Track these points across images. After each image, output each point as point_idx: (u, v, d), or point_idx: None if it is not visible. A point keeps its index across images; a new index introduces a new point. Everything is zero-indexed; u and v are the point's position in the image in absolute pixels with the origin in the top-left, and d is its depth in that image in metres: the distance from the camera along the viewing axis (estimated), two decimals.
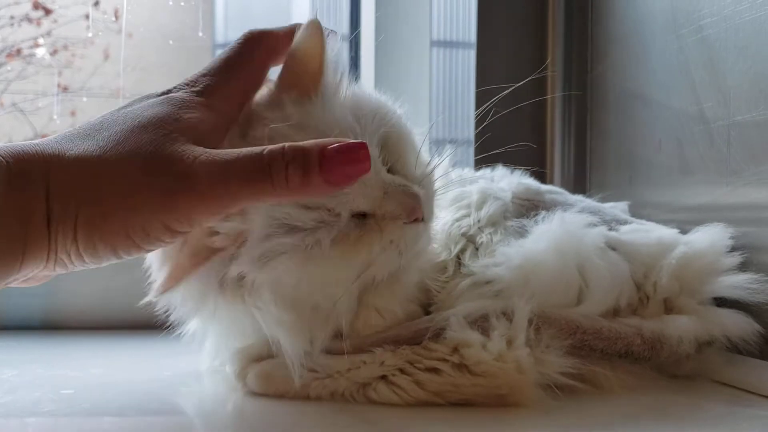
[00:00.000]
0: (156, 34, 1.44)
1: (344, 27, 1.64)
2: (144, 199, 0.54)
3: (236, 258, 0.63)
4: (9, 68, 1.63)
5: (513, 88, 0.81)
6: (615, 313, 0.72)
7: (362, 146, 0.56)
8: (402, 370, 0.63)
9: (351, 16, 1.53)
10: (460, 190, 0.79)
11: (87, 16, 1.53)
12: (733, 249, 0.76)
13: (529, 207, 0.77)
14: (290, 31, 0.68)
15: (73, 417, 0.61)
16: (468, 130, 1.20)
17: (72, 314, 1.02)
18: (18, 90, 1.62)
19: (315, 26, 0.66)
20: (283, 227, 0.62)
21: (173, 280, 0.63)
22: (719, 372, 0.73)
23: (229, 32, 1.87)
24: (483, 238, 0.74)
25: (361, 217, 0.65)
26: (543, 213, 0.75)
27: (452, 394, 0.63)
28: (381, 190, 0.65)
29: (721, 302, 0.74)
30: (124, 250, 0.56)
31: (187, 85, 0.63)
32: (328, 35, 0.66)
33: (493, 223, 0.75)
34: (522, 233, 0.74)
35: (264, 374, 0.66)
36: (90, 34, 1.53)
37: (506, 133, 1.17)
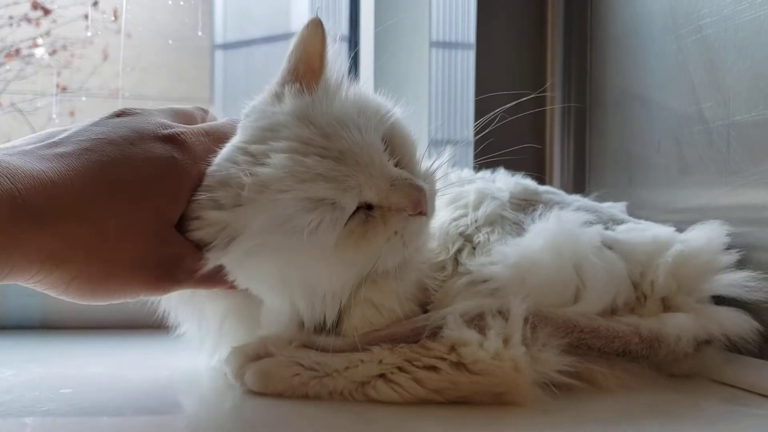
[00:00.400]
0: (155, 34, 1.44)
1: (344, 27, 1.64)
2: None
3: (218, 249, 0.63)
4: (8, 68, 1.63)
5: (514, 104, 0.81)
6: (612, 311, 0.72)
7: None
8: (400, 369, 0.63)
9: (350, 17, 1.52)
10: (458, 190, 0.79)
11: (86, 16, 1.53)
12: (732, 248, 0.76)
13: (526, 206, 0.78)
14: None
15: (72, 416, 0.61)
16: (467, 130, 1.20)
17: (70, 314, 1.02)
18: (17, 90, 1.62)
19: (317, 23, 0.68)
20: (282, 225, 0.62)
21: None
22: (718, 371, 0.73)
23: (228, 32, 1.87)
24: (480, 237, 0.74)
25: (365, 210, 0.65)
26: (540, 211, 0.76)
27: (451, 392, 0.63)
28: (388, 182, 0.65)
29: (719, 300, 0.74)
30: None
31: None
32: (328, 33, 0.68)
33: (491, 222, 0.75)
34: (519, 232, 0.74)
35: (262, 373, 0.66)
36: (89, 34, 1.53)
37: (506, 134, 1.17)
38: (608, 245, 0.74)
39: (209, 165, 0.64)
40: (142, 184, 0.60)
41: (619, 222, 0.79)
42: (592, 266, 0.71)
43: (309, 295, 0.67)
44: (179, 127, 0.65)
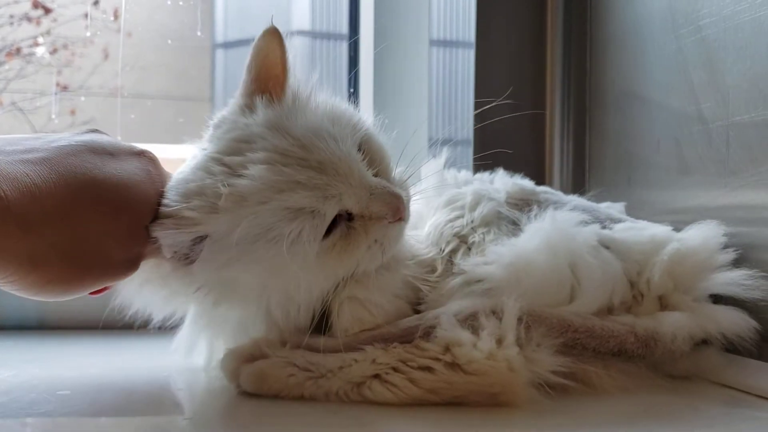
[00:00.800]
0: (155, 33, 1.44)
1: (343, 27, 1.64)
2: None
3: (194, 253, 0.66)
4: (8, 67, 1.63)
5: (512, 115, 0.82)
6: (609, 311, 0.72)
7: None
8: (395, 369, 0.64)
9: (350, 16, 1.52)
10: (455, 191, 0.80)
11: (86, 16, 1.53)
12: (730, 247, 0.76)
13: (523, 206, 0.78)
14: None
15: (70, 417, 0.61)
16: (467, 130, 1.20)
17: (68, 314, 1.02)
18: (17, 89, 1.62)
19: (273, 31, 0.70)
20: (263, 235, 0.64)
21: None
22: (716, 372, 0.73)
23: (228, 31, 1.87)
24: (475, 237, 0.74)
25: (346, 221, 0.67)
26: (535, 211, 0.76)
27: (447, 392, 0.63)
28: (367, 192, 0.67)
29: (717, 299, 0.74)
30: None
31: None
32: (287, 39, 0.70)
33: (487, 223, 0.76)
34: (516, 232, 0.74)
35: (257, 374, 0.66)
36: (89, 34, 1.53)
37: (505, 133, 1.17)
38: (605, 244, 0.74)
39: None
40: (123, 194, 0.62)
41: (617, 221, 0.79)
42: (587, 265, 0.71)
43: (285, 303, 0.69)
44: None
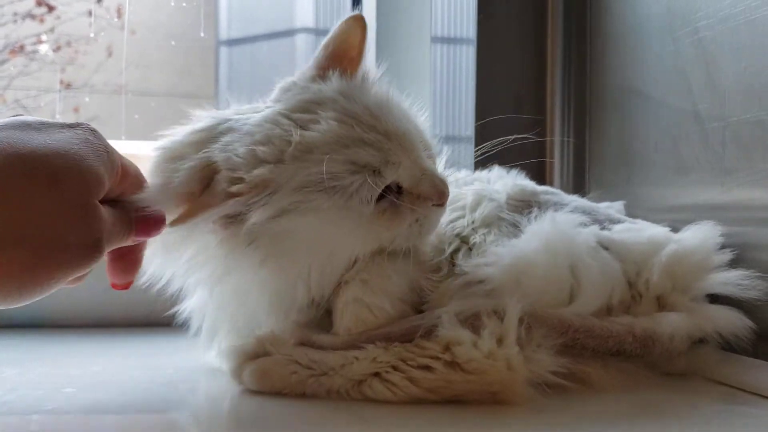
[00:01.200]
0: (159, 31, 1.45)
1: None
2: None
3: (255, 206, 0.65)
4: (12, 65, 1.64)
5: (513, 138, 0.82)
6: (608, 311, 0.72)
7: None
8: (395, 368, 0.64)
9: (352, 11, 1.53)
10: (455, 192, 0.80)
11: (90, 13, 1.54)
12: (727, 247, 0.77)
13: (523, 208, 0.78)
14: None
15: (75, 415, 0.62)
16: (468, 127, 1.20)
17: (73, 312, 1.03)
18: (21, 86, 1.62)
19: (358, 18, 0.75)
20: (324, 183, 0.66)
21: (188, 216, 0.64)
22: (713, 370, 0.74)
23: (232, 29, 1.87)
24: (477, 238, 0.75)
25: (395, 194, 0.70)
26: (536, 212, 0.76)
27: (445, 391, 0.63)
28: (420, 171, 0.70)
29: (714, 299, 0.75)
30: None
31: None
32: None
33: (488, 224, 0.76)
34: (516, 233, 0.75)
35: (260, 371, 0.67)
36: (93, 32, 1.53)
37: (506, 132, 1.18)
38: (604, 245, 0.75)
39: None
40: (57, 163, 0.55)
41: (616, 222, 0.80)
42: (587, 267, 0.72)
43: (324, 265, 0.70)
44: None
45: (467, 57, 1.27)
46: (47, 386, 0.71)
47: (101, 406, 0.65)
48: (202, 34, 1.32)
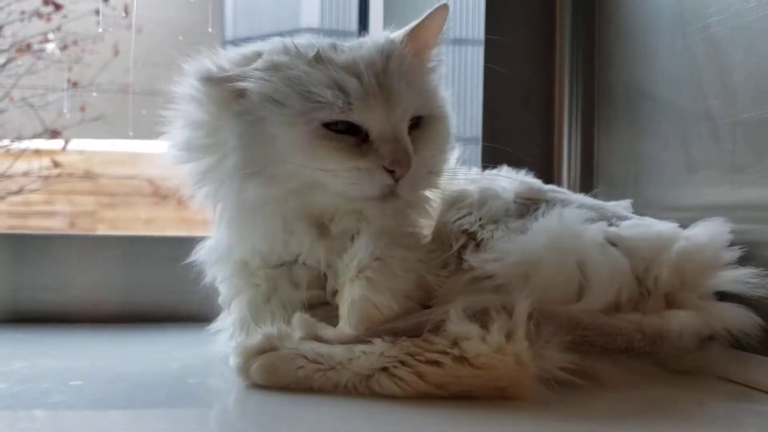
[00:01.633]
0: (166, 29, 1.45)
1: (353, 24, 1.64)
2: None
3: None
4: (19, 63, 1.64)
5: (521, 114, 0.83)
6: (616, 308, 0.72)
7: None
8: (403, 363, 0.64)
9: (359, 13, 1.53)
10: (462, 189, 0.80)
11: (97, 12, 1.54)
12: (736, 245, 0.76)
13: (530, 205, 0.78)
14: None
15: (81, 408, 0.62)
16: (476, 127, 1.20)
17: (81, 307, 1.03)
18: (28, 85, 1.62)
19: (445, 9, 0.82)
20: (303, 86, 0.73)
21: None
22: (722, 368, 0.73)
23: (238, 28, 1.87)
24: (484, 234, 0.75)
25: (362, 139, 0.74)
26: (543, 209, 0.76)
27: (453, 386, 0.63)
28: (392, 132, 0.73)
29: (723, 297, 0.74)
30: None
31: None
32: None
33: (495, 220, 0.76)
34: (523, 230, 0.74)
35: (267, 366, 0.67)
36: (100, 30, 1.53)
37: (514, 131, 1.18)
38: (612, 242, 0.74)
39: None
40: None
41: (624, 219, 0.80)
42: (595, 263, 0.71)
43: (283, 169, 0.74)
44: None
45: (474, 58, 1.27)
46: (54, 379, 0.70)
47: (107, 399, 0.65)
48: (210, 29, 1.32)
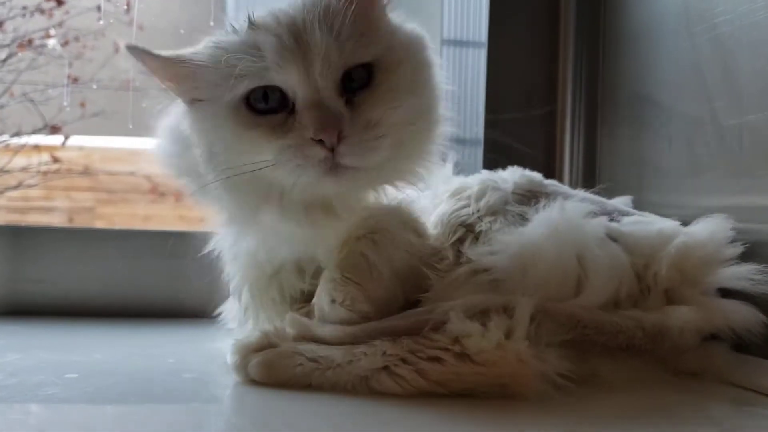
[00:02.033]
0: (167, 25, 1.44)
1: None
2: None
3: None
4: (20, 58, 1.64)
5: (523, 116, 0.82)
6: (616, 304, 0.71)
7: None
8: (404, 360, 0.63)
9: None
10: (461, 182, 0.80)
11: (98, 8, 1.54)
12: (738, 242, 0.76)
13: (530, 197, 0.77)
14: None
15: (76, 401, 0.62)
16: (478, 129, 1.20)
17: (77, 300, 1.03)
18: (29, 80, 1.62)
19: None
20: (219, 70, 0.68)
21: None
22: (725, 372, 0.73)
23: (240, 21, 1.87)
24: (482, 226, 0.74)
25: (289, 113, 0.68)
26: (543, 202, 0.75)
27: (454, 384, 0.63)
28: (313, 93, 0.67)
29: (726, 293, 0.74)
30: None
31: None
32: None
33: (493, 212, 0.75)
34: (522, 223, 0.74)
35: (265, 363, 0.66)
36: (101, 26, 1.53)
37: (516, 133, 1.17)
38: (613, 237, 0.74)
39: None
40: None
41: (625, 215, 0.79)
42: (595, 257, 0.71)
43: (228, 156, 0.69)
44: None
45: (477, 60, 1.27)
46: (49, 372, 0.70)
47: (102, 393, 0.64)
48: (211, 24, 1.32)
